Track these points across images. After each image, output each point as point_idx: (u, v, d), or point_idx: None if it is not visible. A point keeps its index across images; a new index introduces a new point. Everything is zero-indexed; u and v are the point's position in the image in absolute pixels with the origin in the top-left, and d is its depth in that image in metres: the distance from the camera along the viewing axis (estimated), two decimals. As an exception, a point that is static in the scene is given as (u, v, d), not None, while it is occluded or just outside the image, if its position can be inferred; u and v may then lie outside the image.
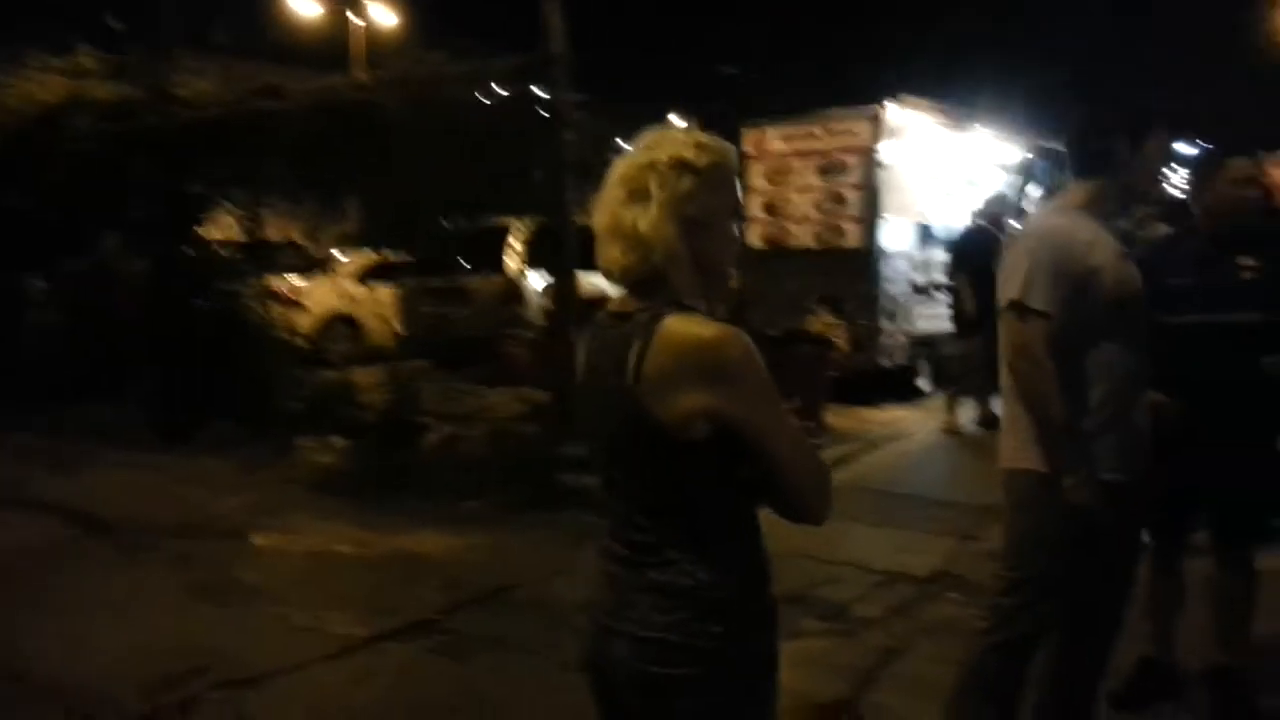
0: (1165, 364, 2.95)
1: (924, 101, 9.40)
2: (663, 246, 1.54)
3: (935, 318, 9.20)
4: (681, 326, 1.50)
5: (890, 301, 9.24)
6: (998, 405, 2.88)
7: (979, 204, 8.63)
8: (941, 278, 8.93)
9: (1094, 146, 2.71)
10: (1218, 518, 3.36)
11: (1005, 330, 2.66)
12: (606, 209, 1.60)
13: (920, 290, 9.50)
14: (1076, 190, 2.74)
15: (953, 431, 8.13)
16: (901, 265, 9.34)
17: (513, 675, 3.75)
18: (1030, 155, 11.15)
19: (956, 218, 9.27)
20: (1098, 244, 2.62)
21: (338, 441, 6.80)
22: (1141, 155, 2.68)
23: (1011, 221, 8.67)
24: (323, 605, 4.41)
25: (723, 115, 9.56)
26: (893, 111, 9.03)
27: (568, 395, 6.16)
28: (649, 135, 1.63)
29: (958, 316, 8.26)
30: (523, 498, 5.96)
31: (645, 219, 1.54)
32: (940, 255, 9.13)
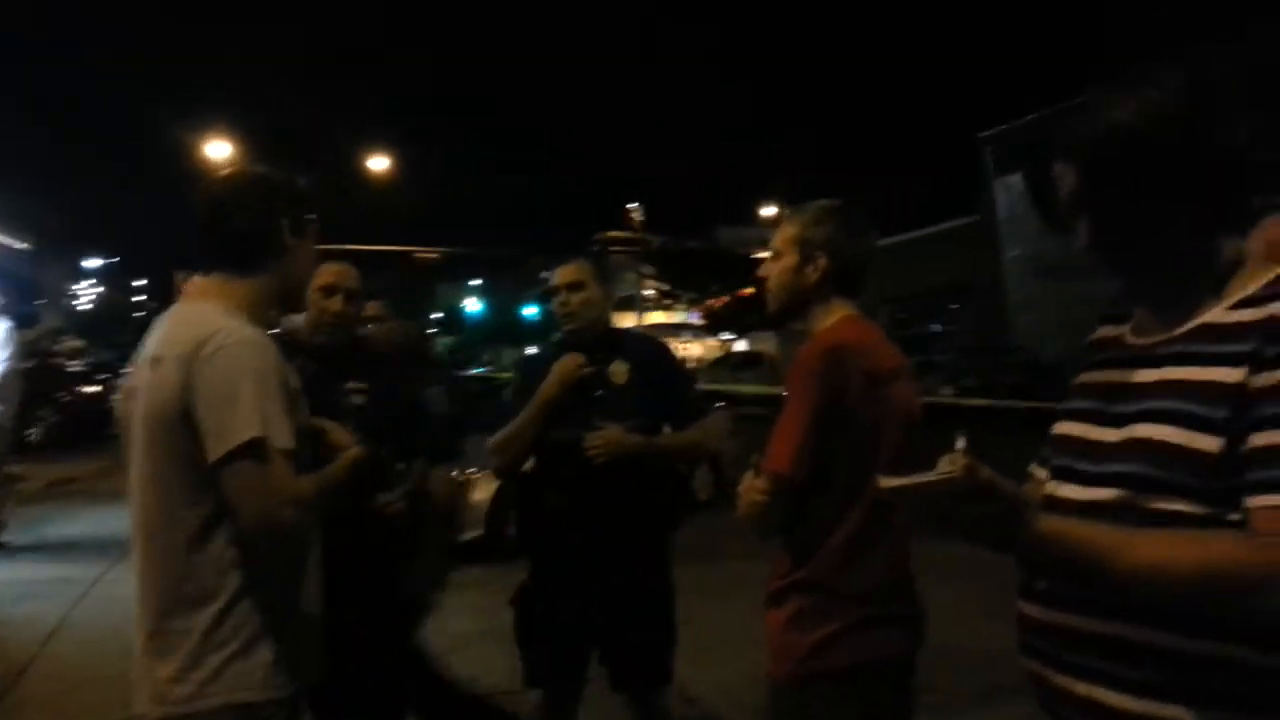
0: None
1: None
2: None
3: None
4: None
5: None
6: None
7: None
8: None
9: (257, 229, 1.98)
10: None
11: (246, 482, 1.77)
12: None
13: None
14: (231, 287, 1.97)
15: None
16: None
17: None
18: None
19: None
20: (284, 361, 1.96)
21: None
22: (306, 246, 2.06)
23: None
24: None
25: None
26: None
27: None
28: None
29: None
30: None
31: None
32: None
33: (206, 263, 2.00)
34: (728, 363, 31.64)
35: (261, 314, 2.00)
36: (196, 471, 1.77)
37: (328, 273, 2.92)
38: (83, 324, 32.49)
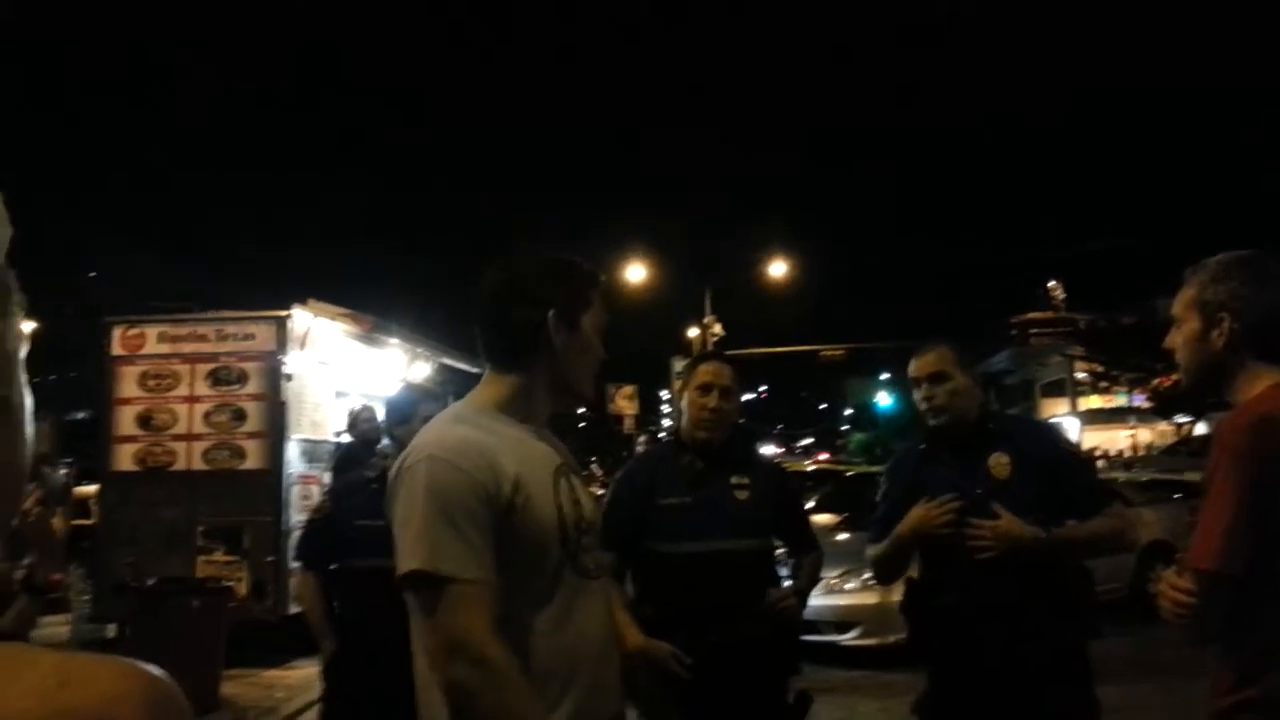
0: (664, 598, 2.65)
1: (335, 308, 8.59)
2: None
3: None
4: None
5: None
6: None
7: (348, 418, 7.37)
8: None
9: (518, 322, 1.82)
10: None
11: (414, 620, 1.66)
12: None
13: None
14: (493, 383, 1.86)
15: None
16: (311, 492, 8.13)
17: None
18: (437, 372, 10.91)
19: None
20: (519, 456, 1.73)
21: None
22: (578, 337, 1.86)
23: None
24: None
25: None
26: (300, 317, 8.05)
27: None
28: None
29: None
30: None
31: None
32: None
33: (485, 356, 1.88)
34: (1187, 448, 28.07)
35: (522, 410, 1.81)
36: None
37: (704, 372, 3.05)
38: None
